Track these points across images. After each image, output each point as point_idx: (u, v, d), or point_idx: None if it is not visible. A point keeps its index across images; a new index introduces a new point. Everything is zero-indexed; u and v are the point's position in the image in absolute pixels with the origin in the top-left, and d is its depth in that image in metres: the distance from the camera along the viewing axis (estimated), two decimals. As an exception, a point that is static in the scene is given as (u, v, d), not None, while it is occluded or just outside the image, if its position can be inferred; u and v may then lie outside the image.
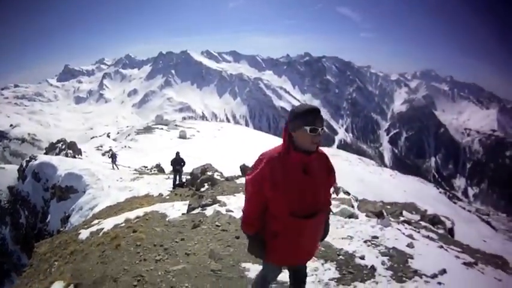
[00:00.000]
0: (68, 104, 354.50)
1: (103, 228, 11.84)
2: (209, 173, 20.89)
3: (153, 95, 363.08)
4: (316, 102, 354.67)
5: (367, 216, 11.95)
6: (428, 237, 11.48)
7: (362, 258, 7.26)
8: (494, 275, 8.08)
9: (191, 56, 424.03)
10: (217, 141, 73.10)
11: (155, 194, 21.90)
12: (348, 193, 17.75)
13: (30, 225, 33.73)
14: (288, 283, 4.84)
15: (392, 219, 12.74)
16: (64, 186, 28.46)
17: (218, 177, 19.84)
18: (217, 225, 9.39)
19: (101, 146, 63.88)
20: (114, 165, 37.79)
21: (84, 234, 12.42)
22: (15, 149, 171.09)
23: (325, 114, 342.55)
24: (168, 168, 29.28)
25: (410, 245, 8.31)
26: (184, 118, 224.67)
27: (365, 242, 8.38)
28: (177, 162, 23.81)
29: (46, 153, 50.50)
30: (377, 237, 8.77)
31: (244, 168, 20.54)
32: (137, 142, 69.23)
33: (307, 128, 3.52)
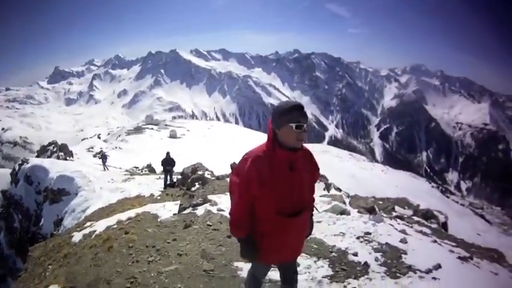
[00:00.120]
0: (59, 106, 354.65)
1: (95, 231, 11.92)
2: (200, 172, 20.98)
3: (143, 95, 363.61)
4: (305, 99, 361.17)
5: (359, 212, 11.96)
6: (421, 232, 11.40)
7: (355, 254, 7.19)
8: (490, 269, 8.02)
9: (180, 55, 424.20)
10: (208, 140, 73.39)
11: (146, 195, 21.98)
12: (339, 189, 17.77)
13: (24, 229, 33.63)
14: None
15: (384, 215, 12.65)
16: (56, 189, 28.34)
17: (209, 176, 19.89)
18: (208, 225, 9.40)
19: (92, 148, 64.09)
20: (104, 166, 37.79)
21: (77, 236, 12.51)
22: (8, 153, 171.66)
23: (314, 110, 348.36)
24: (159, 168, 29.27)
25: (403, 241, 8.23)
26: (174, 117, 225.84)
27: (357, 238, 8.31)
28: (168, 163, 23.98)
29: (38, 156, 50.63)
30: (369, 233, 8.69)
31: (234, 167, 20.66)
32: (128, 143, 69.47)
33: (293, 125, 3.51)
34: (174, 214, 11.65)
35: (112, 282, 6.67)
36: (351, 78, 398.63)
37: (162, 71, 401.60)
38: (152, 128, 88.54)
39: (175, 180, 24.61)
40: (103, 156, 39.47)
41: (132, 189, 24.82)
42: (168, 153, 24.53)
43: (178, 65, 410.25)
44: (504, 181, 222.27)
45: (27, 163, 35.29)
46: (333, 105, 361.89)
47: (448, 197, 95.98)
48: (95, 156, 53.73)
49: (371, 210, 12.67)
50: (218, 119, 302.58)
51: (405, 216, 15.32)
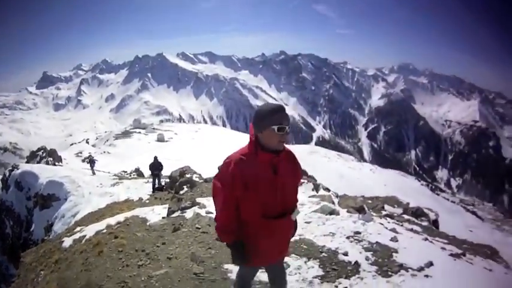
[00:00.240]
0: (47, 112, 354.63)
1: (85, 235, 11.85)
2: (188, 175, 20.95)
3: (130, 99, 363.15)
4: (292, 100, 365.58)
5: (348, 212, 11.92)
6: (412, 230, 11.49)
7: (345, 254, 7.15)
8: (483, 265, 8.05)
9: (167, 59, 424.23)
10: (195, 143, 73.94)
11: (135, 199, 22.07)
12: (328, 189, 17.69)
13: (16, 235, 33.50)
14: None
15: (374, 214, 12.70)
16: (46, 195, 28.33)
17: (197, 179, 19.92)
18: (197, 228, 9.37)
19: (81, 153, 63.98)
20: (92, 171, 37.72)
21: (67, 242, 12.42)
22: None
23: (302, 111, 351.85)
24: (147, 172, 29.22)
25: (394, 239, 8.20)
26: (161, 121, 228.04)
27: (347, 238, 8.28)
28: (155, 167, 24.11)
29: (27, 162, 50.44)
30: (359, 233, 8.66)
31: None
32: (116, 147, 69.69)
33: (275, 128, 3.51)
34: (162, 218, 11.66)
35: (103, 287, 6.65)
36: (337, 78, 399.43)
37: (149, 74, 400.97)
38: (140, 132, 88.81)
39: (163, 183, 24.65)
40: (91, 161, 39.30)
41: (121, 193, 25.05)
42: (155, 158, 24.64)
43: (165, 68, 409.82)
44: (495, 177, 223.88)
45: (17, 169, 35.21)
46: (320, 106, 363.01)
47: (438, 195, 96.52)
48: (83, 161, 53.63)
49: (360, 210, 12.63)
50: (205, 122, 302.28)
51: (395, 214, 15.37)
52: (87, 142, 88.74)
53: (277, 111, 3.55)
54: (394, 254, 7.24)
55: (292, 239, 7.21)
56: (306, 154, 74.85)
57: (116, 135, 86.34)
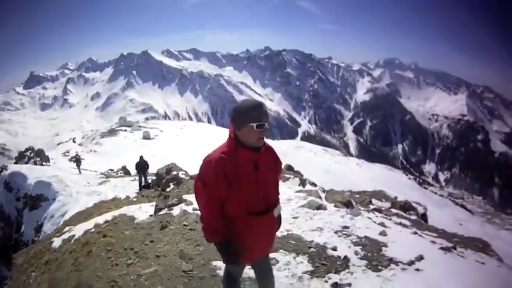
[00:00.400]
0: (34, 112, 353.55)
1: (74, 235, 11.95)
2: (174, 173, 20.95)
3: (116, 97, 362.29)
4: (277, 96, 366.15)
5: (335, 206, 11.94)
6: (400, 224, 11.47)
7: (334, 249, 7.15)
8: (475, 259, 8.02)
9: (152, 56, 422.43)
10: (181, 140, 74.13)
11: (122, 197, 22.23)
12: (314, 184, 17.69)
13: (7, 237, 33.42)
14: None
15: (361, 208, 12.69)
16: (35, 195, 28.40)
17: (183, 176, 19.88)
18: (185, 225, 9.39)
19: (68, 152, 63.71)
20: (79, 170, 37.68)
21: (56, 242, 12.54)
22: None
23: (287, 107, 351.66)
24: (134, 170, 29.12)
25: (382, 233, 8.22)
26: (147, 119, 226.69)
27: (336, 232, 8.28)
28: (141, 166, 24.30)
29: (16, 163, 50.19)
30: (348, 227, 8.67)
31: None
32: (102, 145, 69.56)
33: (254, 125, 3.48)
34: (150, 215, 11.71)
35: (93, 286, 6.64)
36: (322, 73, 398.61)
37: (134, 72, 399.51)
38: (126, 130, 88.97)
39: (150, 181, 24.72)
40: (77, 160, 39.30)
41: (108, 192, 25.19)
42: (141, 157, 24.79)
43: (150, 66, 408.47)
44: (485, 171, 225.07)
45: (6, 170, 35.19)
46: (305, 101, 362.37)
47: (426, 188, 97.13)
48: (70, 160, 53.42)
49: (348, 204, 12.62)
50: (190, 119, 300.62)
51: (383, 208, 15.34)
52: (74, 141, 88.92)
53: (256, 107, 3.53)
54: (383, 248, 7.24)
55: (280, 235, 7.25)
56: (291, 149, 75.14)
57: (102, 134, 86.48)
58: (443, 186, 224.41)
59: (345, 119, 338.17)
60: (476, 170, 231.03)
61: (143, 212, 12.54)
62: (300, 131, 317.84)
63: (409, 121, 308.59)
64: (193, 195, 3.94)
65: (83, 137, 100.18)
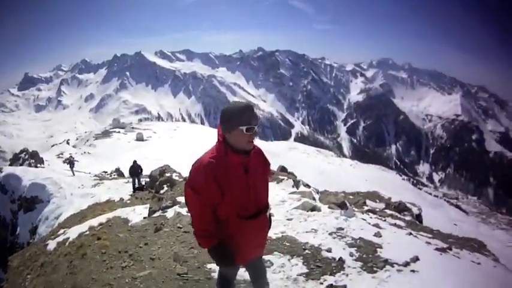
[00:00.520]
0: (29, 113, 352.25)
1: (69, 238, 12.05)
2: (167, 175, 21.07)
3: (109, 99, 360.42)
4: (270, 96, 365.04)
5: (329, 208, 11.83)
6: (395, 225, 11.50)
7: (329, 251, 7.13)
8: (471, 259, 8.05)
9: (145, 57, 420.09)
10: (174, 142, 73.73)
11: (116, 199, 22.23)
12: (308, 186, 17.62)
13: (2, 239, 33.36)
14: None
15: (356, 210, 12.73)
16: (29, 197, 28.49)
17: (177, 178, 19.99)
18: (179, 227, 9.38)
19: (62, 154, 63.30)
20: (72, 172, 37.61)
21: (51, 245, 12.63)
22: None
23: (280, 107, 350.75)
24: (128, 173, 29.11)
25: (377, 234, 8.22)
26: (140, 120, 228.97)
27: (330, 234, 8.26)
28: (135, 171, 24.33)
29: (11, 165, 50.02)
30: (342, 229, 8.65)
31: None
32: (96, 147, 69.06)
33: (243, 128, 3.45)
34: (144, 218, 11.76)
35: (88, 290, 6.57)
36: (315, 74, 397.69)
37: (128, 73, 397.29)
38: (119, 132, 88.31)
39: (143, 183, 24.79)
40: (70, 162, 39.35)
41: (102, 194, 25.22)
42: (135, 161, 24.83)
43: (143, 67, 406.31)
44: (479, 171, 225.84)
45: (1, 172, 35.17)
46: (299, 102, 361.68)
47: (420, 189, 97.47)
48: (64, 162, 53.33)
49: (342, 206, 12.51)
50: (184, 120, 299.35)
51: (377, 209, 15.35)
52: (68, 143, 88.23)
53: (246, 110, 3.49)
54: (378, 249, 7.23)
55: (275, 237, 7.26)
56: (285, 150, 75.44)
57: (96, 135, 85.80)
58: (437, 186, 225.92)
59: (338, 119, 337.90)
60: (470, 170, 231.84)
61: (137, 214, 12.56)
62: (293, 132, 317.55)
63: (403, 121, 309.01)
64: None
65: (77, 139, 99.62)
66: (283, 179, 16.54)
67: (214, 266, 6.48)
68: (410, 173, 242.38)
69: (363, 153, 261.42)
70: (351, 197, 18.61)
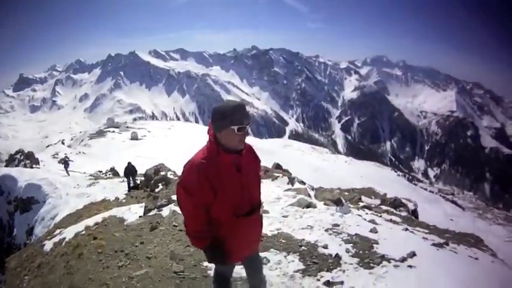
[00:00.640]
0: (24, 114, 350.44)
1: (65, 238, 12.01)
2: (162, 173, 20.94)
3: (104, 98, 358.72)
4: (264, 95, 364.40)
5: (325, 204, 11.81)
6: (391, 220, 11.53)
7: (325, 247, 7.15)
8: (468, 254, 8.06)
9: (139, 57, 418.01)
10: (169, 140, 73.36)
11: (112, 199, 22.31)
12: (303, 183, 17.57)
13: (-1, 240, 33.38)
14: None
15: (351, 206, 12.78)
16: (25, 198, 28.46)
17: (172, 177, 19.89)
18: (174, 226, 9.35)
19: (57, 154, 63.10)
20: (66, 172, 37.59)
21: (48, 245, 12.63)
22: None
23: (274, 105, 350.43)
24: (123, 171, 29.10)
25: (373, 230, 8.25)
26: (135, 119, 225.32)
27: (326, 230, 8.32)
28: (130, 171, 24.52)
29: (7, 166, 49.90)
30: (338, 225, 8.69)
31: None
32: (90, 147, 68.69)
33: (235, 128, 3.42)
34: (139, 216, 11.71)
35: (85, 290, 6.57)
36: (309, 72, 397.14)
37: (122, 73, 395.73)
38: (114, 131, 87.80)
39: (138, 182, 24.81)
40: (65, 162, 39.44)
41: (98, 193, 25.32)
42: (129, 163, 25.02)
43: (137, 66, 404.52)
44: (475, 166, 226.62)
45: (-3, 173, 34.98)
46: (293, 100, 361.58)
47: (415, 185, 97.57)
48: (59, 162, 53.25)
49: (337, 202, 12.47)
50: (178, 119, 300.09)
51: (373, 205, 15.43)
52: (63, 143, 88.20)
53: (237, 110, 3.45)
54: (374, 245, 7.26)
55: (270, 234, 7.29)
56: (279, 148, 75.35)
57: (91, 135, 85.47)
58: (433, 182, 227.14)
59: (332, 117, 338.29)
60: (466, 166, 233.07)
61: (133, 213, 12.54)
62: (288, 129, 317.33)
63: (398, 118, 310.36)
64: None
65: (72, 139, 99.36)
66: (278, 176, 16.50)
67: (210, 264, 6.36)
68: (406, 169, 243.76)
69: (357, 150, 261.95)
70: (346, 193, 18.70)
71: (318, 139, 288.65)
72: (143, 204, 13.17)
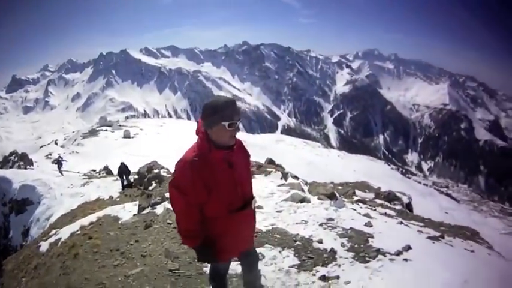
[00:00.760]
0: (17, 115, 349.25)
1: (60, 238, 12.05)
2: (156, 171, 21.06)
3: (96, 97, 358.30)
4: (256, 90, 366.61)
5: (319, 199, 11.74)
6: (385, 214, 11.51)
7: (320, 242, 7.11)
8: (464, 247, 8.05)
9: (130, 55, 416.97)
10: (161, 138, 73.31)
11: (106, 197, 22.50)
12: (296, 177, 17.54)
13: (-5, 243, 33.37)
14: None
15: (345, 200, 12.72)
16: (20, 199, 28.57)
17: (165, 174, 19.96)
18: (169, 223, 9.30)
19: (50, 154, 62.97)
20: (60, 172, 37.56)
21: (44, 246, 12.65)
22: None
23: (266, 100, 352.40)
24: (116, 170, 29.12)
25: (368, 224, 8.23)
26: (127, 117, 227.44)
27: (320, 225, 8.25)
28: (123, 171, 24.62)
29: (1, 167, 49.85)
30: (332, 219, 8.65)
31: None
32: (84, 146, 68.33)
33: (226, 124, 3.42)
34: (134, 215, 11.74)
35: (82, 290, 6.59)
36: (301, 66, 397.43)
37: (113, 71, 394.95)
38: (106, 130, 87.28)
39: (132, 180, 24.88)
40: (58, 162, 39.41)
41: (92, 193, 25.62)
42: (122, 163, 25.08)
43: (129, 64, 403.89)
44: (469, 159, 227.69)
45: (-9, 175, 34.92)
46: (284, 95, 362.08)
47: (409, 178, 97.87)
48: (53, 162, 53.24)
49: (331, 196, 12.40)
50: (170, 116, 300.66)
51: (367, 199, 15.43)
52: (56, 143, 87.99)
53: (228, 105, 3.45)
54: (369, 239, 7.23)
55: (265, 229, 7.30)
56: (272, 143, 75.42)
57: (83, 134, 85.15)
58: (426, 175, 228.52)
59: (324, 111, 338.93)
60: (460, 159, 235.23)
61: (127, 211, 12.60)
62: (280, 124, 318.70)
63: (390, 111, 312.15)
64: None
65: (65, 139, 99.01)
66: (271, 172, 16.44)
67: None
68: (399, 162, 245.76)
69: (350, 144, 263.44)
70: (340, 187, 18.70)
71: (310, 133, 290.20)
72: (137, 202, 13.21)
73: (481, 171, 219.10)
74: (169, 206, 10.60)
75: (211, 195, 3.53)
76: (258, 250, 6.34)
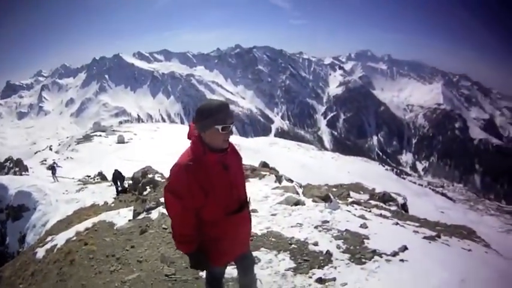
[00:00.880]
0: (11, 121, 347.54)
1: (56, 245, 12.13)
2: (150, 176, 20.83)
3: (89, 102, 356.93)
4: (249, 93, 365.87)
5: (313, 201, 11.71)
6: (381, 215, 11.55)
7: (315, 244, 7.09)
8: (461, 246, 8.07)
9: (123, 59, 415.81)
10: (155, 143, 73.59)
11: (101, 203, 22.48)
12: (290, 180, 17.56)
13: (-8, 250, 33.29)
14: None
15: (340, 202, 12.62)
16: (16, 206, 28.44)
17: (159, 179, 19.82)
18: (164, 228, 9.32)
19: (45, 160, 62.95)
20: (54, 178, 37.49)
21: (40, 252, 12.70)
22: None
23: (259, 104, 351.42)
24: (111, 175, 29.14)
25: (363, 226, 8.21)
26: (120, 122, 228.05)
27: (316, 227, 8.21)
28: (117, 178, 24.72)
29: (-3, 174, 49.69)
30: (327, 222, 8.61)
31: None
32: (78, 152, 68.47)
33: (219, 127, 3.41)
34: (129, 220, 11.78)
35: (79, 296, 6.59)
36: (294, 69, 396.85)
37: (107, 76, 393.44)
38: (100, 135, 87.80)
39: (126, 185, 24.97)
40: (52, 168, 39.30)
41: (87, 198, 25.71)
42: (116, 170, 25.23)
43: (122, 69, 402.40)
44: (465, 158, 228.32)
45: (-13, 182, 34.86)
46: (278, 97, 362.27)
47: (404, 179, 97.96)
48: (48, 168, 53.19)
49: (326, 198, 12.39)
50: (164, 120, 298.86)
51: (362, 201, 15.51)
52: (51, 149, 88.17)
53: (222, 109, 3.44)
54: (365, 240, 7.22)
55: (260, 233, 7.34)
56: (265, 146, 75.54)
57: (78, 140, 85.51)
58: (421, 175, 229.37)
59: (318, 113, 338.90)
60: (455, 158, 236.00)
61: (122, 217, 12.61)
62: (273, 127, 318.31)
63: (384, 112, 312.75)
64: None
65: (59, 144, 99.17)
66: (266, 175, 16.43)
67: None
68: (393, 163, 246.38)
69: (344, 146, 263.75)
70: (335, 189, 18.77)
71: (304, 136, 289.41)
72: (132, 207, 13.21)
73: (476, 170, 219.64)
74: (164, 211, 10.61)
75: (208, 198, 3.50)
76: (254, 254, 6.34)
